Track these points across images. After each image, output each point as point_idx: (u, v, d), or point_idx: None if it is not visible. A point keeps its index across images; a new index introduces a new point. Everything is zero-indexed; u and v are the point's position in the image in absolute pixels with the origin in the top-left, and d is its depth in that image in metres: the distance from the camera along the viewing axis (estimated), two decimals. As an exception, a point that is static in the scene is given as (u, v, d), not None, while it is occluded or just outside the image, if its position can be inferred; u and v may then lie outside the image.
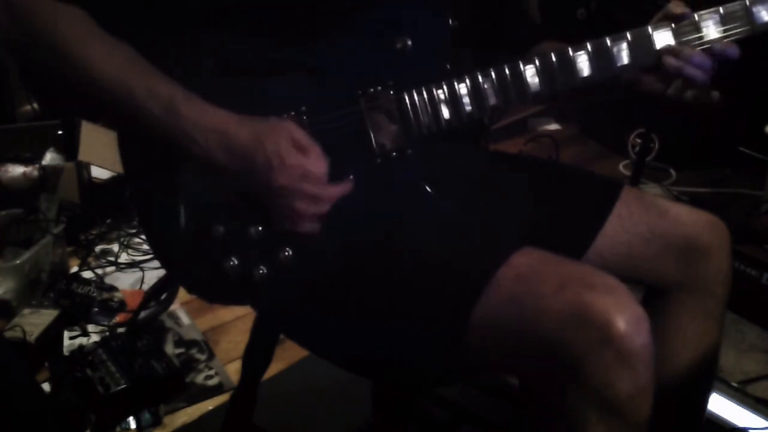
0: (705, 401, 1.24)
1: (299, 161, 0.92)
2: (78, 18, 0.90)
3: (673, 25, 1.03)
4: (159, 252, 1.03)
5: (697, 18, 1.04)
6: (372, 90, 1.00)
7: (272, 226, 0.96)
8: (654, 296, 1.18)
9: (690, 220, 1.14)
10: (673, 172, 3.03)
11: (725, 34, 1.04)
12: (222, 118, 0.91)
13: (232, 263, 0.97)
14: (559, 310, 0.82)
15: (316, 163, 0.94)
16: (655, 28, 1.04)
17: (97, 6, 0.91)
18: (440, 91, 1.01)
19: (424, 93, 1.01)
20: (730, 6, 1.04)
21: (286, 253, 0.97)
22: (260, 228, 0.97)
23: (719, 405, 1.64)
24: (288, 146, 0.92)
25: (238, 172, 0.92)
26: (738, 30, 1.04)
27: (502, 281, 0.88)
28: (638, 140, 2.90)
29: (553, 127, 3.52)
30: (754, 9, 1.03)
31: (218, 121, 0.91)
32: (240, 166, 0.91)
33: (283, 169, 0.91)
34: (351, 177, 0.98)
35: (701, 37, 1.04)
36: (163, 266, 1.06)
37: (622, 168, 3.10)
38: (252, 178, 0.92)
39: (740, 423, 1.61)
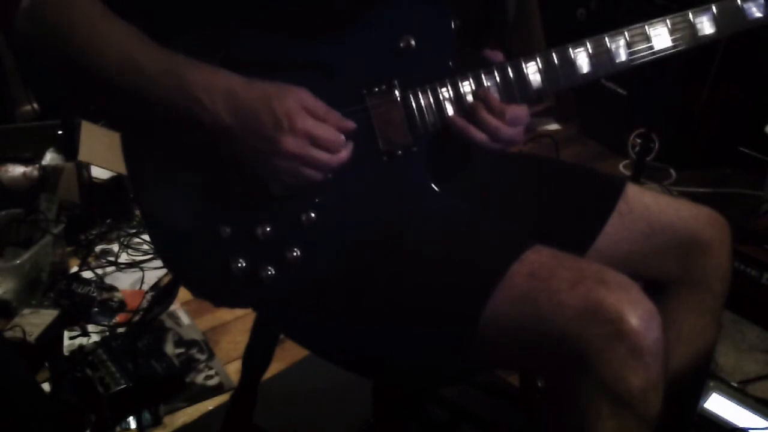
0: (696, 397, 1.24)
1: (310, 125, 0.91)
2: (92, 4, 0.91)
3: (668, 21, 1.04)
4: (164, 255, 1.03)
5: (691, 15, 1.04)
6: (377, 89, 1.00)
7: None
8: (652, 290, 1.17)
9: (691, 216, 1.14)
10: (673, 172, 3.03)
11: (717, 30, 1.04)
12: (228, 77, 0.91)
13: (239, 265, 0.96)
14: (573, 306, 0.83)
15: (329, 129, 0.93)
16: (650, 25, 1.04)
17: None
18: (444, 90, 1.01)
19: (429, 91, 1.01)
20: (723, 3, 1.04)
21: (294, 254, 0.97)
22: (267, 228, 0.96)
23: (719, 405, 1.64)
24: (298, 108, 0.91)
25: (244, 134, 0.90)
26: (730, 26, 1.04)
27: (514, 278, 0.88)
28: (638, 140, 2.89)
29: (553, 127, 3.52)
30: (746, 6, 1.04)
31: (224, 81, 0.90)
32: (246, 126, 0.90)
33: (292, 132, 0.90)
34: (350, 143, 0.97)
35: (695, 33, 1.04)
36: (168, 269, 1.04)
37: (622, 168, 3.10)
38: (258, 139, 0.90)
39: (740, 423, 1.61)
